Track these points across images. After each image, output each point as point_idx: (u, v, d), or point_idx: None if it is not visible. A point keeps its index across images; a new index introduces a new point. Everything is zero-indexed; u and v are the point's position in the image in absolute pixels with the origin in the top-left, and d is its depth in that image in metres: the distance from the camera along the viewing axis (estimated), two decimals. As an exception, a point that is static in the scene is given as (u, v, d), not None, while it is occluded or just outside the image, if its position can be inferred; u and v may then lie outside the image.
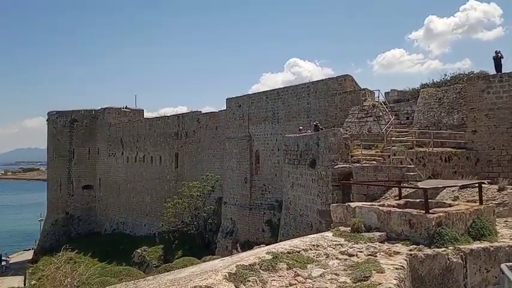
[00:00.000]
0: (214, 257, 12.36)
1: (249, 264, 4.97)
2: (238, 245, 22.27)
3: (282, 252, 5.56)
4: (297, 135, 23.18)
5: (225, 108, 38.36)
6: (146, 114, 59.72)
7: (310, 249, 6.02)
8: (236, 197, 35.75)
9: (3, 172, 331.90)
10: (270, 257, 5.29)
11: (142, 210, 49.17)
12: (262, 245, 10.22)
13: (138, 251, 39.21)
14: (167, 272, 11.58)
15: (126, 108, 58.00)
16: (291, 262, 5.33)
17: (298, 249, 5.85)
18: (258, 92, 36.61)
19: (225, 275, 4.52)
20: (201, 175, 39.60)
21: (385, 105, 24.65)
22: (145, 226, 47.70)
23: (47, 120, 59.74)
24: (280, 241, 24.64)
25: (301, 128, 25.87)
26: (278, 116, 32.67)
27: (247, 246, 26.44)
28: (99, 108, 58.57)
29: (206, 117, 42.81)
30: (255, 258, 5.21)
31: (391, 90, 27.93)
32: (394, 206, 7.76)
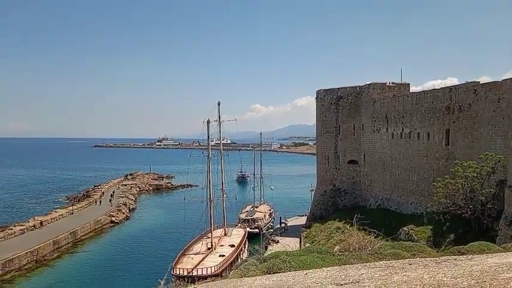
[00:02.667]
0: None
1: None
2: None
3: None
4: None
5: None
6: (412, 89, 57.06)
7: None
8: (526, 181, 29.96)
9: (279, 146, 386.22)
10: None
11: (408, 188, 47.59)
12: None
13: (405, 229, 38.16)
14: (461, 254, 10.19)
15: (391, 83, 56.84)
16: None
17: None
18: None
19: None
20: (478, 154, 34.94)
21: None
22: (412, 205, 46.02)
23: (315, 98, 64.59)
24: None
25: None
26: None
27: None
28: (364, 84, 59.39)
29: (485, 88, 37.21)
30: None
31: None
32: None
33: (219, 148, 55.57)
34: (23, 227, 59.07)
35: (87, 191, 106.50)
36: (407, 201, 47.37)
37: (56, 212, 72.14)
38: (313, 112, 65.84)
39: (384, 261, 5.41)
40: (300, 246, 49.04)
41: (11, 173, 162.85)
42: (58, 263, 50.69)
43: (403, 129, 49.06)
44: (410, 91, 54.70)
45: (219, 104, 52.76)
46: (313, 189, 66.35)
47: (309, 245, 45.52)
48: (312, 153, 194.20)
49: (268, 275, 6.15)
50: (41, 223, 62.40)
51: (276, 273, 6.27)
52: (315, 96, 64.29)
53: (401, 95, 52.28)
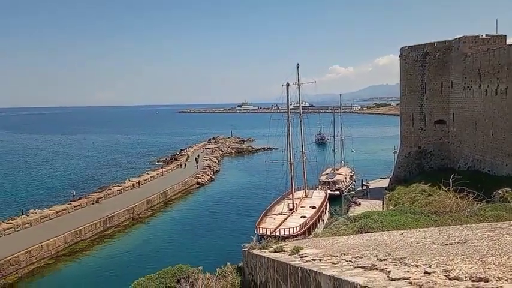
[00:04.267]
0: None
1: None
2: None
3: None
4: None
5: None
6: (508, 41, 51.55)
7: None
8: None
9: (359, 107, 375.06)
10: None
11: (503, 148, 43.97)
12: None
13: (499, 191, 35.56)
14: None
15: (485, 35, 51.77)
16: None
17: None
18: None
19: None
20: None
21: None
22: (507, 166, 42.60)
23: (399, 56, 61.08)
24: None
25: None
26: None
27: None
28: (453, 38, 54.82)
29: None
30: None
31: None
32: None
33: (298, 111, 55.31)
34: (120, 188, 64.63)
35: (175, 155, 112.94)
36: (503, 162, 43.89)
37: (148, 174, 77.72)
38: (395, 71, 62.61)
39: (487, 223, 5.12)
40: (383, 209, 48.08)
41: (106, 139, 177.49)
42: (151, 220, 54.93)
43: (498, 85, 44.87)
44: (507, 43, 49.47)
45: (298, 67, 52.06)
46: (396, 151, 64.00)
47: (392, 207, 44.45)
48: (395, 114, 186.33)
49: (360, 234, 6.15)
50: (139, 183, 68.02)
51: (368, 232, 6.24)
52: (399, 54, 60.82)
53: (496, 48, 47.49)
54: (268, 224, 40.63)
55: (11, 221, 45.77)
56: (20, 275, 36.64)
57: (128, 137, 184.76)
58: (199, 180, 77.35)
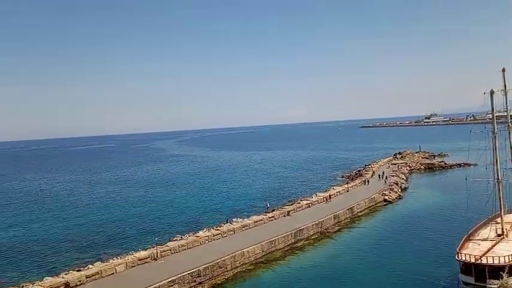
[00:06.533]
0: None
1: None
2: None
3: None
4: None
5: None
6: None
7: None
8: None
9: None
10: None
11: None
12: None
13: None
14: None
15: None
16: None
17: None
18: None
19: None
20: None
21: None
22: None
23: None
24: None
25: None
26: None
27: None
28: None
29: None
30: None
31: None
32: None
33: (504, 121, 48.10)
34: (308, 202, 66.91)
35: (359, 170, 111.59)
36: None
37: (333, 189, 78.52)
38: None
39: None
40: None
41: (293, 154, 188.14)
42: (338, 235, 54.78)
43: None
44: None
45: (503, 71, 45.54)
46: None
47: None
48: None
49: None
50: (330, 196, 69.92)
51: None
52: None
53: None
54: (472, 250, 35.98)
55: (218, 228, 52.07)
56: (226, 277, 40.96)
57: (313, 152, 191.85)
58: (386, 197, 74.29)
